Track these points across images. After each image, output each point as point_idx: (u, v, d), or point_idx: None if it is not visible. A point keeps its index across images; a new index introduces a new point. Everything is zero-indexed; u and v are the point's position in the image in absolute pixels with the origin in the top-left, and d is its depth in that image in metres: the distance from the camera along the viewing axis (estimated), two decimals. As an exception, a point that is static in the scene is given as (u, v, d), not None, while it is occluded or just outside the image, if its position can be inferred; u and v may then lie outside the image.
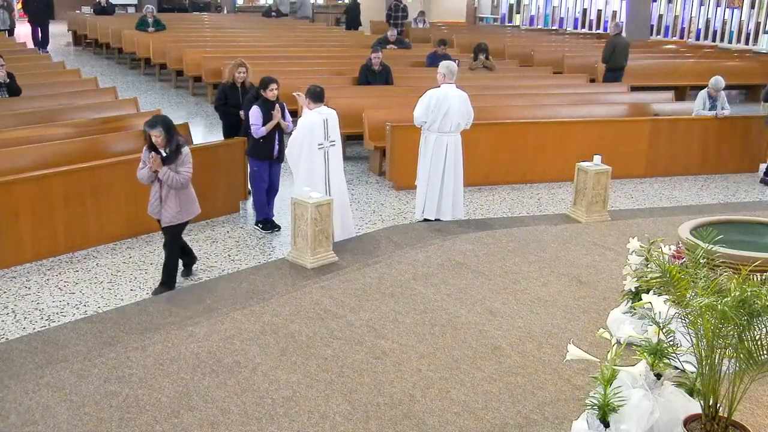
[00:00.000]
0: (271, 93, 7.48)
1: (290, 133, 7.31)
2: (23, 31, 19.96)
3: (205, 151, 8.08)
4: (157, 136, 5.92)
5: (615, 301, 5.83)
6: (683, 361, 3.90)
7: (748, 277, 3.67)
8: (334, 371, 4.90)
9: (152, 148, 5.97)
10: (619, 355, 3.75)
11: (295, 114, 7.45)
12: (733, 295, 3.47)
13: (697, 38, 22.69)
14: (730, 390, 3.61)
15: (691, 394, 3.93)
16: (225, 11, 28.89)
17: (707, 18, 22.60)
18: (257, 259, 7.10)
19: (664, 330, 3.79)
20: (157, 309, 5.76)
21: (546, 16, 27.66)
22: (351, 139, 10.93)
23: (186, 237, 7.51)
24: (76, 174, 7.13)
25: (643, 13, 21.89)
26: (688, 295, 3.71)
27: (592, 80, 14.58)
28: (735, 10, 21.95)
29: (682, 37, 23.17)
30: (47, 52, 18.44)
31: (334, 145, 7.14)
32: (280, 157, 7.68)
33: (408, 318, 5.66)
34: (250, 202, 8.41)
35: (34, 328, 5.65)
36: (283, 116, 7.52)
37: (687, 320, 3.66)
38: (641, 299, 4.67)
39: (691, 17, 23.16)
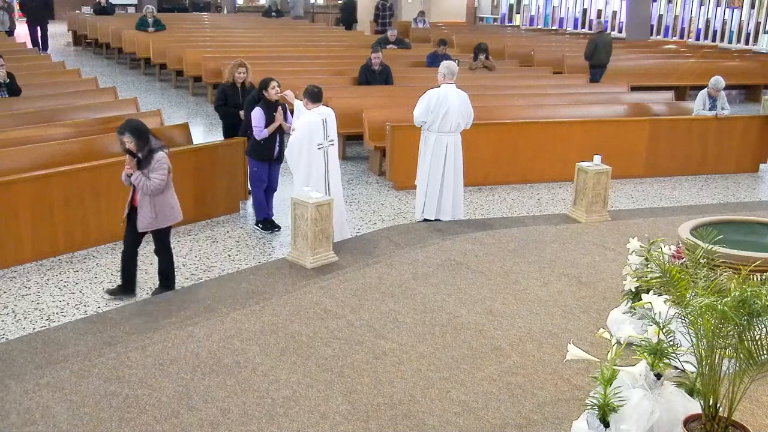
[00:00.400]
0: (272, 92, 7.48)
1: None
2: (23, 31, 19.95)
3: (205, 151, 8.09)
4: (128, 141, 5.80)
5: (615, 301, 5.83)
6: (683, 361, 3.90)
7: (748, 277, 3.67)
8: (334, 371, 4.90)
9: (130, 151, 5.87)
10: (619, 355, 3.75)
11: (291, 113, 7.47)
12: (733, 295, 3.47)
13: (697, 38, 22.70)
14: (730, 390, 3.60)
15: (691, 394, 3.93)
16: (225, 11, 28.92)
17: (707, 18, 22.60)
18: (257, 259, 7.10)
19: (664, 330, 3.79)
20: (157, 309, 5.76)
21: (546, 16, 27.68)
22: (351, 139, 10.94)
23: (186, 237, 7.53)
24: (76, 174, 7.13)
25: (643, 13, 21.91)
26: (688, 295, 3.71)
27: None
28: (735, 10, 21.96)
29: (682, 37, 23.17)
30: (47, 53, 18.43)
31: (332, 144, 7.16)
32: (280, 157, 7.69)
33: (408, 318, 5.66)
34: (250, 202, 8.41)
35: (34, 328, 5.65)
36: (285, 118, 7.53)
37: (687, 320, 3.65)
38: (641, 299, 4.67)
39: (691, 17, 23.16)
